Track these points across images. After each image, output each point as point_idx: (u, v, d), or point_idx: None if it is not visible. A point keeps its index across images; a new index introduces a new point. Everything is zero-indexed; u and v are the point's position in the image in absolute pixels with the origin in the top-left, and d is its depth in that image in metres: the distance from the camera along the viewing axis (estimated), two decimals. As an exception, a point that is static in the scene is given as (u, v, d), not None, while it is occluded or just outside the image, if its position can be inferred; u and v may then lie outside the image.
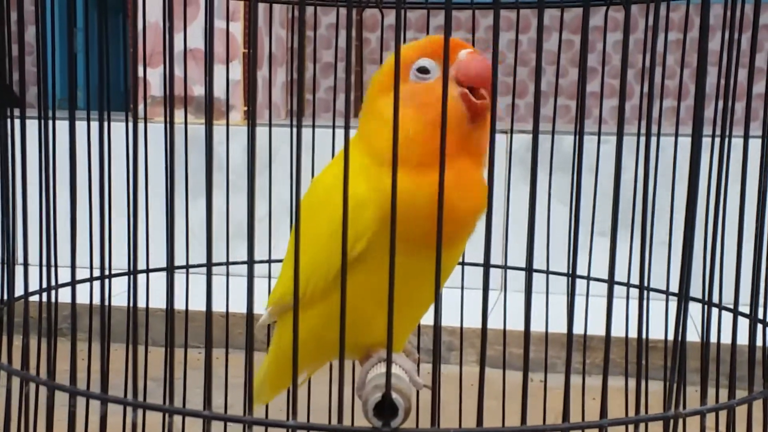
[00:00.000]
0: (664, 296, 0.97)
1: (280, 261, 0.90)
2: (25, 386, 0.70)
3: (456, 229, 0.68)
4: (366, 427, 0.60)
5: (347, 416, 0.62)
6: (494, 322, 2.24)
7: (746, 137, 0.67)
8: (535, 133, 0.56)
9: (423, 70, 0.69)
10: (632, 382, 0.88)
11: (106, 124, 0.66)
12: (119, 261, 0.91)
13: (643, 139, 1.04)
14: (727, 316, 0.76)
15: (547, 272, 1.05)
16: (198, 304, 0.77)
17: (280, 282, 0.78)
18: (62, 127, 0.76)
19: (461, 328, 1.14)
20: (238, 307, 0.89)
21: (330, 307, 0.71)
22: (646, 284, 0.62)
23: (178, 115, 2.93)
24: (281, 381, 0.83)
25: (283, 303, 0.78)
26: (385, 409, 0.62)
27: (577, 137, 0.92)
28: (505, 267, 1.09)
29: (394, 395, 0.63)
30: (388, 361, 0.58)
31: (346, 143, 0.57)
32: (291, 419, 0.58)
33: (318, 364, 0.83)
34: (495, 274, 2.61)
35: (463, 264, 1.06)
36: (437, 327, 0.57)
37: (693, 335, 0.76)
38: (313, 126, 1.13)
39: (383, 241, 0.63)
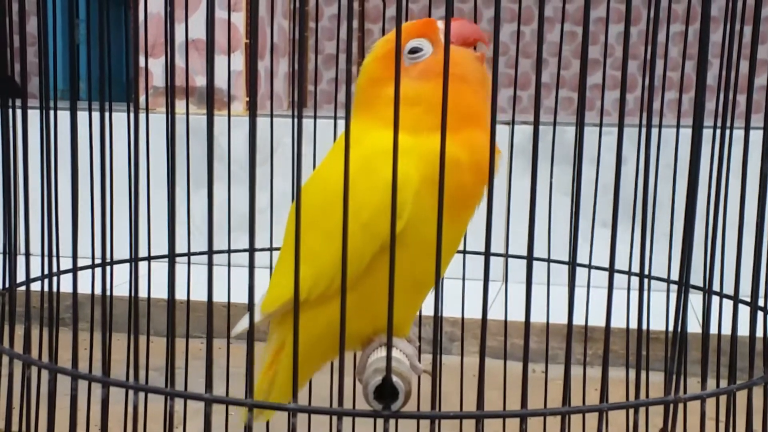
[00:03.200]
0: (665, 288, 0.97)
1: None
2: (26, 370, 0.70)
3: (482, 189, 0.73)
4: (366, 410, 0.60)
5: (348, 401, 0.62)
6: (496, 313, 2.24)
7: (747, 129, 0.68)
8: (536, 124, 0.56)
9: (415, 50, 0.73)
10: (633, 373, 0.88)
11: (107, 114, 0.66)
12: (121, 253, 0.91)
13: (644, 130, 1.05)
14: (728, 305, 0.77)
15: (548, 260, 1.05)
16: (200, 295, 0.77)
17: (287, 283, 0.76)
18: (64, 117, 0.76)
19: (462, 318, 1.15)
20: (240, 297, 0.89)
21: (359, 297, 0.70)
22: (646, 272, 0.62)
23: (180, 105, 2.93)
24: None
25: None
26: (386, 392, 0.62)
27: (578, 129, 0.92)
28: (506, 255, 1.09)
29: (394, 378, 0.63)
30: (389, 345, 0.58)
31: (347, 135, 0.57)
32: (292, 402, 0.58)
33: (330, 358, 0.82)
34: (497, 267, 2.61)
35: (464, 253, 1.06)
36: (438, 306, 0.57)
37: (694, 326, 0.77)
38: (315, 117, 1.13)
39: (424, 210, 0.68)
